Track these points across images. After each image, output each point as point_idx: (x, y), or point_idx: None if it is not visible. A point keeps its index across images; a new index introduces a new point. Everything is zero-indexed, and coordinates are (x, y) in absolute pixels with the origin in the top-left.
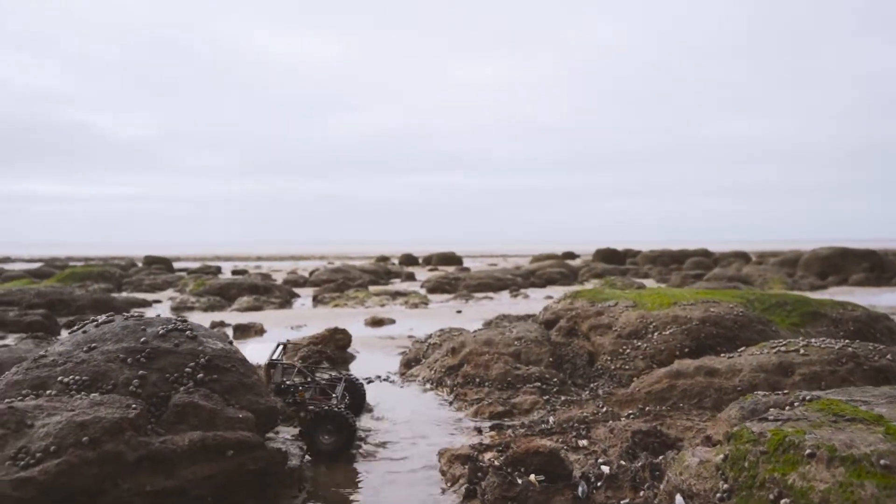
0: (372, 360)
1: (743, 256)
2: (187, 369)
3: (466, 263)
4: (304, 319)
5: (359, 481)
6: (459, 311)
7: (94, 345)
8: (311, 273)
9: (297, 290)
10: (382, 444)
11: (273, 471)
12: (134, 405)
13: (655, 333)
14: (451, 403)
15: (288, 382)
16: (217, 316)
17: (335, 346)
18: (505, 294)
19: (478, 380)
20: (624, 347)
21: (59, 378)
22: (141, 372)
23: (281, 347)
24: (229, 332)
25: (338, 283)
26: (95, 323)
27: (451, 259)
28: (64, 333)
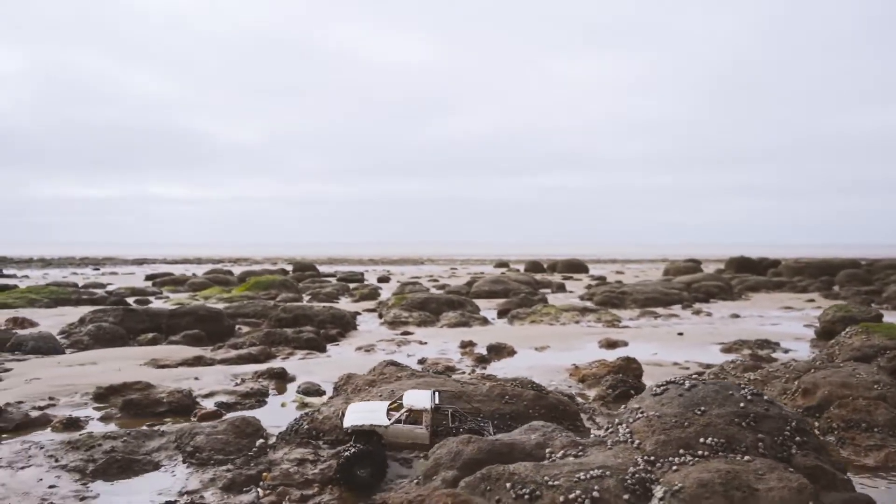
0: None
1: None
2: (786, 432)
3: (588, 269)
4: (540, 340)
5: None
6: (681, 334)
7: (702, 408)
8: (470, 284)
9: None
10: None
11: None
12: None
13: None
14: (840, 448)
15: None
16: (430, 331)
17: (632, 375)
18: (677, 308)
19: (864, 424)
20: None
21: (700, 440)
22: (760, 435)
23: (436, 393)
24: (482, 351)
25: (520, 297)
26: (680, 387)
27: (577, 266)
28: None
